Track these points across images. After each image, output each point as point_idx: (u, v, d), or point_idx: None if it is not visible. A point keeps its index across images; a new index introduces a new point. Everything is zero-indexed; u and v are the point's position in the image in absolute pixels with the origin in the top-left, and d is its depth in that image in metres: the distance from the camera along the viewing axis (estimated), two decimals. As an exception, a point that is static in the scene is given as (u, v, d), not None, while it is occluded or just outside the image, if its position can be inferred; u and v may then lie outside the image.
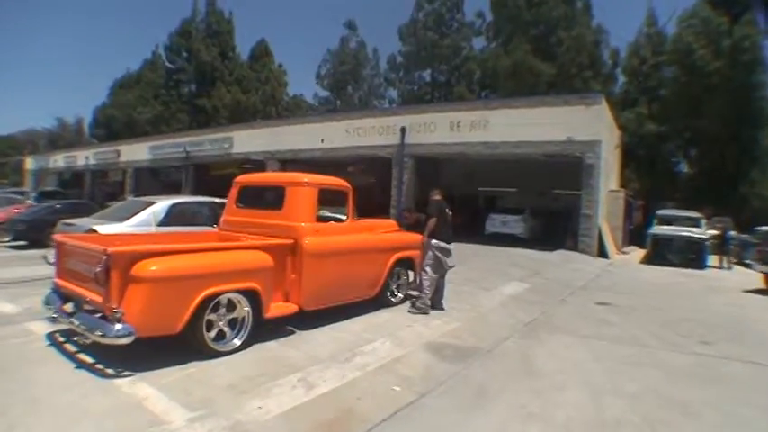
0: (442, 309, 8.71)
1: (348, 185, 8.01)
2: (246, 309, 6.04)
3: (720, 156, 32.23)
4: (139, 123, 53.40)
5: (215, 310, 5.76)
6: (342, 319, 7.55)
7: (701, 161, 34.31)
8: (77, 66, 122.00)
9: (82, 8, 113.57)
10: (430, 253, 8.58)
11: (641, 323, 9.11)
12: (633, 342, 7.76)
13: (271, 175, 8.70)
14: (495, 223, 23.86)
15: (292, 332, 6.84)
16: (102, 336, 5.00)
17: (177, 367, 5.36)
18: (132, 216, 9.88)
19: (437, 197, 9.03)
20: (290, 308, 6.71)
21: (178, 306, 5.32)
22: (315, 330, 7.00)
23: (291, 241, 6.80)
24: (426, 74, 52.79)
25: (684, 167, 38.24)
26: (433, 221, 8.61)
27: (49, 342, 6.07)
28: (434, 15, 50.47)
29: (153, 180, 38.94)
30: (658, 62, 36.33)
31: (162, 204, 10.30)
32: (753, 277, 15.68)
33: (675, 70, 34.16)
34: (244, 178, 8.33)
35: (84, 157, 44.69)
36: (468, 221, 24.16)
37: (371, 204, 21.78)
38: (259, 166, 28.91)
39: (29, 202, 23.71)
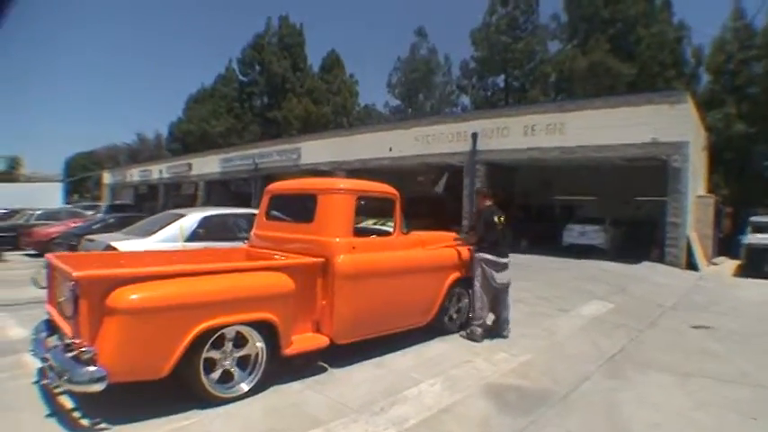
0: (504, 337, 7.49)
1: (395, 192, 6.81)
2: (259, 344, 4.99)
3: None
4: (212, 136, 53.98)
5: (217, 346, 4.74)
6: (386, 352, 6.39)
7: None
8: (158, 82, 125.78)
9: (162, 26, 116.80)
10: (477, 269, 7.39)
11: (750, 354, 7.63)
12: (745, 381, 6.33)
13: (303, 181, 7.49)
14: (573, 234, 22.30)
15: (323, 369, 5.72)
16: (68, 380, 4.03)
17: (168, 418, 4.35)
18: (158, 231, 8.96)
19: (487, 202, 7.86)
20: (319, 341, 5.59)
21: (165, 343, 4.31)
22: (351, 367, 5.87)
23: (322, 260, 5.70)
24: (500, 79, 51.13)
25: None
26: (474, 232, 7.69)
27: (36, 379, 5.18)
28: (507, 18, 48.90)
29: (224, 192, 39.07)
30: (747, 57, 34.13)
31: (192, 217, 9.28)
32: None
33: (766, 65, 31.85)
34: (275, 186, 7.27)
35: (158, 171, 45.45)
36: (544, 232, 22.79)
37: (443, 216, 20.77)
38: (327, 176, 28.09)
39: (91, 214, 23.79)
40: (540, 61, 48.14)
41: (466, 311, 7.67)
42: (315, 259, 5.71)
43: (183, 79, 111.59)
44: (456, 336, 7.42)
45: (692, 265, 18.15)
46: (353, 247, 5.92)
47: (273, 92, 55.65)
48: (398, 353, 6.47)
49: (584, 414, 5.06)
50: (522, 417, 4.87)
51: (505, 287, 7.55)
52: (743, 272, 18.08)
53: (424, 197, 28.60)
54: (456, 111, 49.92)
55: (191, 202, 38.82)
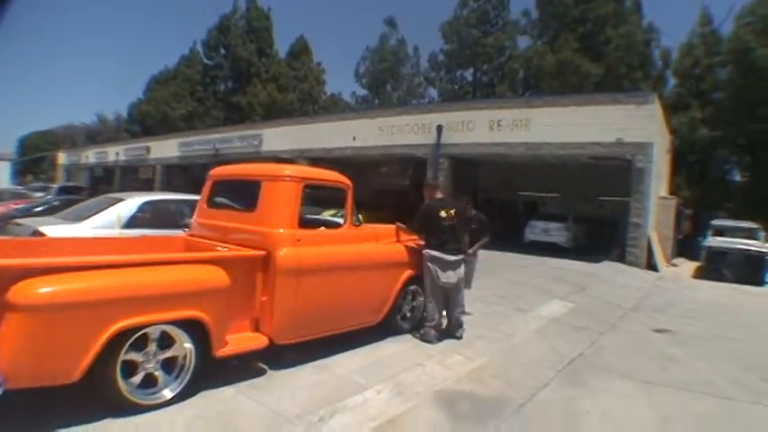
0: (458, 338, 7.06)
1: (346, 181, 6.31)
2: (188, 345, 4.47)
3: (779, 163, 30.01)
4: (173, 119, 52.71)
5: (139, 347, 4.22)
6: (332, 353, 5.89)
7: (756, 169, 32.17)
8: (119, 62, 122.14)
9: (125, 3, 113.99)
10: (425, 267, 6.94)
11: (713, 360, 7.36)
12: (710, 390, 6.04)
13: (248, 166, 6.96)
14: (536, 231, 22.09)
15: (262, 372, 5.21)
16: (-43, 385, 3.46)
17: (78, 428, 3.82)
18: (93, 216, 8.23)
19: (438, 195, 7.46)
20: (258, 341, 5.08)
21: (76, 344, 3.77)
22: (293, 369, 5.37)
23: (262, 253, 5.20)
24: (468, 73, 50.96)
25: (737, 175, 36.36)
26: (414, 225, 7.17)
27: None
28: (478, 13, 48.61)
29: (183, 177, 38.11)
30: (713, 63, 34.57)
31: (130, 202, 8.54)
32: None
33: (731, 71, 32.48)
34: (218, 170, 6.71)
35: (114, 153, 44.27)
36: (506, 228, 22.60)
37: (408, 208, 20.32)
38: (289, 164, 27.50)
39: (40, 196, 22.87)
40: (509, 57, 48.01)
41: (421, 310, 7.21)
42: (254, 252, 5.20)
43: (148, 59, 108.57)
44: (409, 336, 6.97)
45: (651, 266, 18.13)
46: (298, 240, 5.41)
47: (238, 76, 54.46)
48: (345, 354, 5.98)
49: (541, 426, 4.70)
50: (474, 427, 4.48)
51: (455, 287, 7.05)
52: (702, 274, 18.22)
53: (389, 189, 28.22)
54: (423, 102, 49.55)
55: (148, 187, 37.81)
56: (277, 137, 29.88)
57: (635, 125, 18.14)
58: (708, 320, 10.52)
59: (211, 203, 6.42)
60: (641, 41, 39.59)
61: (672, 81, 38.72)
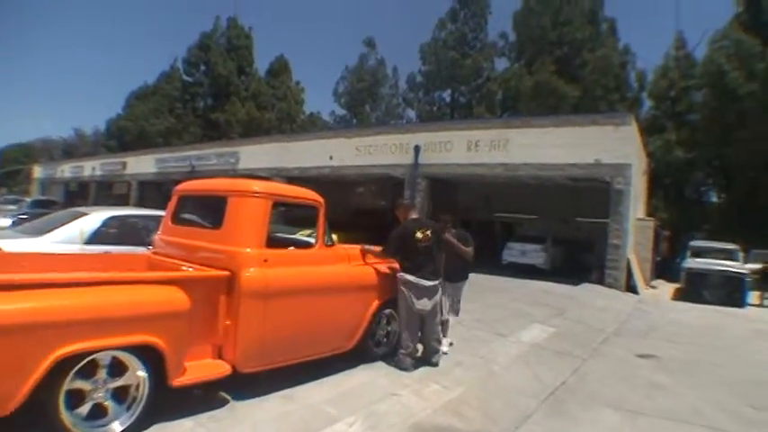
0: (434, 365, 6.68)
1: (318, 199, 5.98)
2: (141, 373, 4.10)
3: (754, 185, 30.30)
4: (151, 135, 52.26)
5: (87, 375, 3.84)
6: (300, 381, 5.50)
7: (732, 190, 32.42)
8: (99, 77, 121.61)
9: (109, 19, 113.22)
10: (400, 292, 6.55)
11: (699, 387, 7.13)
12: (699, 421, 5.77)
13: (215, 181, 6.53)
14: (514, 252, 21.88)
15: (224, 402, 4.82)
16: None
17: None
18: (54, 230, 7.73)
19: (413, 215, 7.01)
20: (220, 369, 4.69)
21: (12, 373, 3.39)
22: (257, 400, 4.97)
23: (226, 273, 4.84)
24: (446, 94, 51.16)
25: (714, 197, 36.63)
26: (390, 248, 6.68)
27: None
28: (457, 34, 48.92)
29: (158, 194, 37.54)
30: (688, 86, 34.97)
31: (94, 217, 8.04)
32: None
33: (706, 94, 32.87)
34: (185, 185, 6.35)
35: (90, 168, 43.57)
36: (484, 250, 22.38)
37: (387, 229, 20.00)
38: (264, 182, 27.20)
39: (12, 208, 22.30)
40: (486, 78, 48.27)
41: (396, 335, 6.83)
42: (218, 272, 4.85)
43: (129, 75, 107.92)
44: (383, 363, 6.58)
45: (631, 288, 17.98)
46: (265, 260, 5.05)
47: (217, 94, 54.23)
48: (315, 383, 5.59)
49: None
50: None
51: (431, 313, 6.63)
52: (682, 296, 18.05)
53: (366, 209, 27.95)
54: (400, 123, 49.53)
55: (123, 203, 37.18)
56: (254, 155, 29.51)
57: (613, 146, 18.04)
58: (691, 344, 10.30)
59: (177, 220, 6.05)
60: (617, 64, 40.07)
61: (647, 103, 39.21)
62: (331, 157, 24.98)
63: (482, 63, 48.55)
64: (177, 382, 4.26)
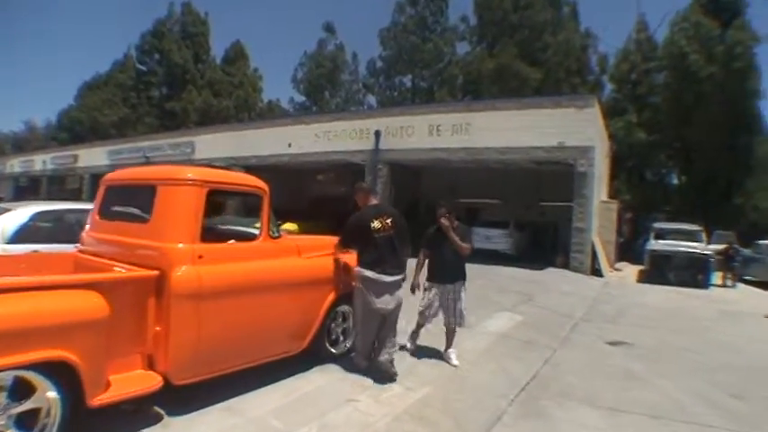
0: (390, 369, 5.75)
1: (262, 186, 5.37)
2: (52, 394, 3.49)
3: (713, 166, 30.76)
4: (104, 127, 50.68)
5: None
6: (246, 389, 4.93)
7: (693, 171, 32.80)
8: (51, 67, 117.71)
9: (57, 5, 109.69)
10: (356, 287, 5.91)
11: (675, 376, 6.83)
12: (681, 416, 5.40)
13: (143, 169, 5.91)
14: (478, 238, 21.42)
15: (158, 418, 4.23)
16: None
17: None
18: None
19: (373, 201, 6.19)
20: (150, 382, 4.09)
21: None
22: (196, 414, 4.38)
23: (154, 273, 4.24)
24: (407, 79, 50.58)
25: (675, 178, 36.97)
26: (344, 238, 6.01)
27: None
28: (417, 19, 48.38)
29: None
30: (649, 68, 35.22)
31: (18, 213, 7.21)
32: (763, 298, 15.80)
33: (667, 76, 33.38)
34: (113, 175, 5.66)
35: (41, 162, 41.92)
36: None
37: (348, 217, 19.53)
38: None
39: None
40: (448, 62, 47.89)
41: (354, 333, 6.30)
42: (143, 272, 4.25)
43: (82, 65, 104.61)
44: (340, 364, 6.02)
45: (596, 271, 17.92)
46: (199, 257, 4.45)
47: (173, 82, 52.81)
48: (262, 390, 5.01)
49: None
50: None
51: (393, 313, 5.89)
52: (647, 278, 18.03)
53: (327, 197, 27.39)
54: (361, 109, 48.88)
55: (75, 197, 35.96)
56: (210, 144, 28.60)
57: (576, 129, 17.88)
58: (661, 329, 10.08)
59: (104, 213, 5.37)
60: (579, 47, 40.10)
61: (609, 86, 39.25)
62: (290, 145, 24.30)
63: (443, 47, 48.13)
64: (97, 401, 3.66)
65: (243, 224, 5.57)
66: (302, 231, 18.89)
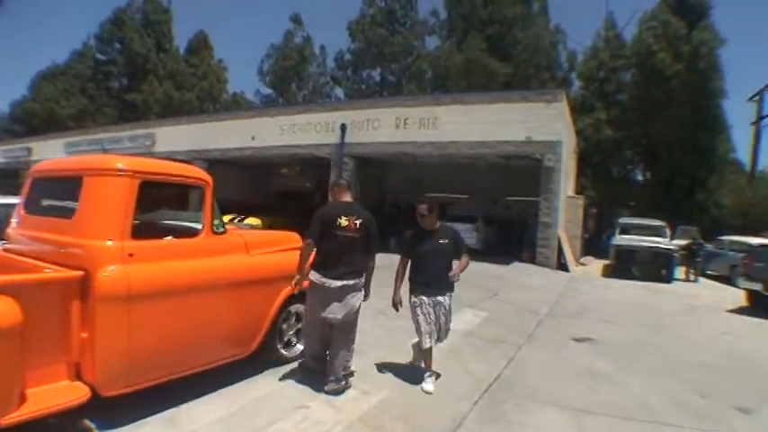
0: (339, 384, 5.16)
1: (204, 177, 4.89)
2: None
3: (678, 163, 31.30)
4: (61, 118, 49.04)
5: None
6: (188, 397, 4.52)
7: (658, 168, 33.15)
8: (3, 56, 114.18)
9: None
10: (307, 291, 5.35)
11: (642, 374, 6.68)
12: (649, 416, 5.23)
13: (71, 159, 5.43)
14: (445, 232, 21.33)
15: (85, 433, 3.85)
16: None
17: None
18: None
19: (345, 198, 5.49)
20: (76, 394, 3.67)
21: None
22: (131, 426, 3.97)
23: (78, 274, 3.83)
24: (375, 73, 50.19)
25: (639, 175, 37.25)
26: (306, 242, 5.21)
27: None
28: (386, 11, 48.01)
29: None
30: (617, 66, 35.35)
31: None
32: (725, 292, 15.77)
33: (635, 74, 33.74)
34: (40, 166, 5.17)
35: (-8, 155, 40.43)
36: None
37: (310, 212, 19.20)
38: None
39: None
40: (417, 56, 47.66)
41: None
42: (66, 273, 3.83)
43: (36, 54, 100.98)
44: (294, 366, 5.64)
45: (562, 266, 17.98)
46: (130, 255, 4.04)
47: (133, 73, 51.23)
48: (206, 398, 4.61)
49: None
50: None
51: (343, 326, 5.22)
52: (611, 272, 18.11)
53: (292, 192, 27.00)
54: (327, 101, 48.39)
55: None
56: (171, 136, 27.89)
57: (544, 123, 17.85)
58: (627, 324, 10.00)
59: (31, 208, 4.91)
60: (548, 43, 40.12)
61: (577, 83, 39.30)
62: (253, 138, 23.82)
63: (412, 41, 47.92)
64: (6, 420, 3.24)
65: (187, 219, 5.11)
66: (266, 226, 18.53)
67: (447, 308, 5.72)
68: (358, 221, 5.21)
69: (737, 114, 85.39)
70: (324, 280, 5.09)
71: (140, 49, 50.50)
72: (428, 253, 5.58)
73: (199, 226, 4.78)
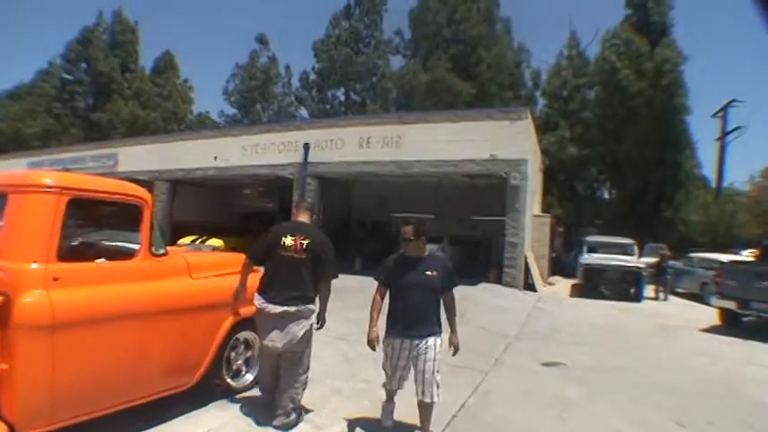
0: (289, 417, 4.74)
1: (141, 194, 4.53)
2: None
3: (643, 180, 31.40)
4: (26, 138, 48.12)
5: None
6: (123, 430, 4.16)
7: (624, 186, 33.30)
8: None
9: None
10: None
11: (615, 402, 6.34)
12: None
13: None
14: (410, 253, 21.03)
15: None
16: None
17: None
18: None
19: (301, 218, 5.17)
20: None
21: None
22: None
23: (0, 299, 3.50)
24: (340, 93, 50.22)
25: (606, 192, 37.53)
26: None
27: None
28: (350, 31, 48.10)
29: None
30: (580, 84, 35.89)
31: None
32: (696, 310, 15.58)
33: (598, 91, 34.20)
34: None
35: (-49, 176, 39.35)
36: (380, 251, 21.67)
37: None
38: (147, 186, 25.34)
39: None
40: (381, 76, 47.70)
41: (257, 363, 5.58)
42: (-10, 298, 3.47)
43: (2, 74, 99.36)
44: (243, 396, 5.31)
45: (529, 286, 17.76)
46: (55, 279, 3.67)
47: (99, 92, 50.46)
48: None
49: None
50: None
51: (289, 356, 4.84)
52: (580, 292, 17.97)
53: (254, 213, 26.63)
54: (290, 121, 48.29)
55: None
56: (134, 156, 27.28)
57: (508, 141, 17.73)
58: (597, 347, 9.74)
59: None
60: (512, 62, 40.37)
61: (541, 101, 39.53)
62: (215, 158, 23.38)
63: (376, 60, 47.98)
64: None
65: (125, 239, 4.73)
66: (228, 247, 18.11)
67: (430, 355, 4.66)
68: (305, 242, 4.83)
69: (702, 131, 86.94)
70: (265, 305, 4.74)
71: (106, 69, 49.80)
72: (410, 285, 4.64)
73: (136, 247, 4.42)
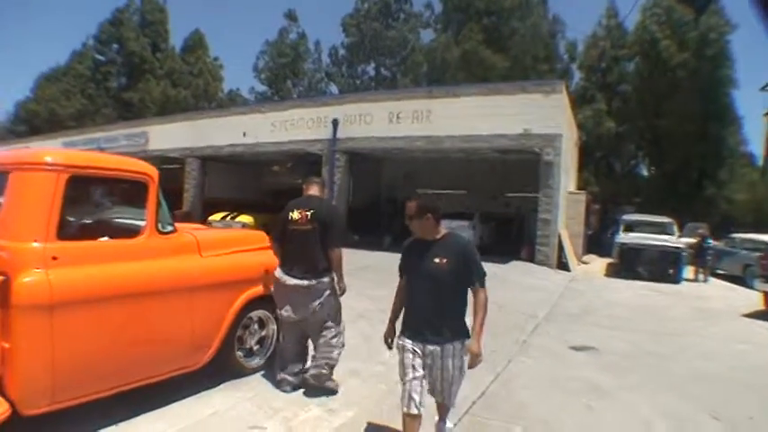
0: (320, 371, 4.88)
1: (147, 171, 4.37)
2: None
3: (684, 156, 30.25)
4: (62, 118, 48.90)
5: None
6: (128, 414, 4.02)
7: (664, 162, 32.31)
8: (10, 56, 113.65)
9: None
10: None
11: (648, 391, 5.92)
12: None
13: (0, 155, 4.83)
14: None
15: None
16: None
17: None
18: None
19: (311, 192, 5.16)
20: None
21: None
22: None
23: None
24: (370, 68, 50.06)
25: (644, 169, 36.57)
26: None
27: None
28: (380, 5, 47.62)
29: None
30: (619, 56, 34.61)
31: None
32: (737, 294, 14.95)
33: (638, 63, 32.97)
34: None
35: (-9, 157, 40.11)
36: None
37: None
38: (179, 164, 25.84)
39: None
40: (411, 50, 47.19)
41: (274, 340, 5.47)
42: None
43: (41, 56, 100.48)
44: (255, 379, 5.16)
45: (563, 265, 17.36)
46: (54, 258, 3.56)
47: (131, 72, 51.14)
48: (147, 416, 4.09)
49: None
50: None
51: (312, 324, 4.88)
52: (615, 272, 17.44)
53: (283, 189, 26.59)
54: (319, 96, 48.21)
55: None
56: (165, 134, 27.48)
57: (542, 116, 17.23)
58: (630, 331, 9.27)
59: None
60: (546, 33, 39.45)
61: (577, 74, 38.64)
62: (245, 134, 23.34)
63: (407, 34, 47.48)
64: None
65: (131, 217, 4.59)
66: (258, 224, 18.07)
67: (446, 360, 3.78)
68: (309, 212, 4.86)
69: (749, 105, 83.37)
70: (281, 275, 4.86)
71: (137, 49, 50.23)
72: (418, 276, 3.82)
73: (141, 224, 4.29)
